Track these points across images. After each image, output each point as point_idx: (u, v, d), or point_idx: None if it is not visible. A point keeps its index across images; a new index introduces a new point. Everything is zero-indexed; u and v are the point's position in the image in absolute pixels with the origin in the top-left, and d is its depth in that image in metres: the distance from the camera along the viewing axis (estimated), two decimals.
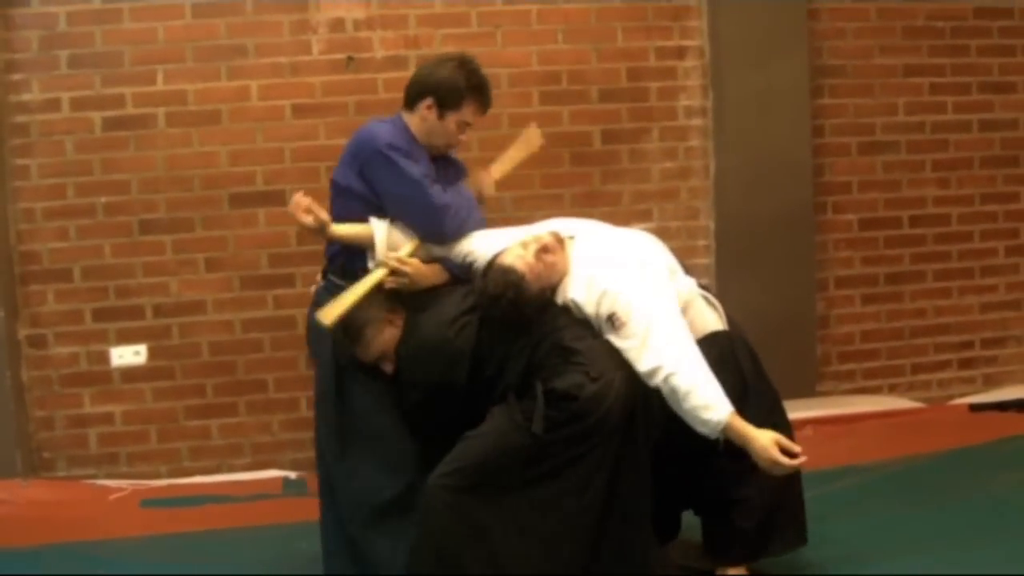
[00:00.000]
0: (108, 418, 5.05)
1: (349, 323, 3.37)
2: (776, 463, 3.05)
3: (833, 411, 5.29)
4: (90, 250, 4.98)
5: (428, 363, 3.32)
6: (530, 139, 3.91)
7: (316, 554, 3.66)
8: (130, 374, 5.04)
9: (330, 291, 3.56)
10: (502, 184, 3.86)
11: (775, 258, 5.34)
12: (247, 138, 5.04)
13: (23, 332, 4.96)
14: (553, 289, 3.34)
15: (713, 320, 3.53)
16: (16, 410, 4.86)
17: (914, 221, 5.65)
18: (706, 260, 5.40)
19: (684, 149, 5.39)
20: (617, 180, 5.34)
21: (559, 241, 3.35)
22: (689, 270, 3.63)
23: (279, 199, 4.98)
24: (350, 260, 3.58)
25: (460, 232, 3.52)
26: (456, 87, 3.52)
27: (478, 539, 3.11)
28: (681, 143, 5.38)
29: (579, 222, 3.69)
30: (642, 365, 3.14)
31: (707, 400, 3.08)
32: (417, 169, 3.47)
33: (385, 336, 3.40)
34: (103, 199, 4.97)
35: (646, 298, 3.22)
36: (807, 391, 5.40)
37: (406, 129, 3.57)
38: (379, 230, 3.49)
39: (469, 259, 3.47)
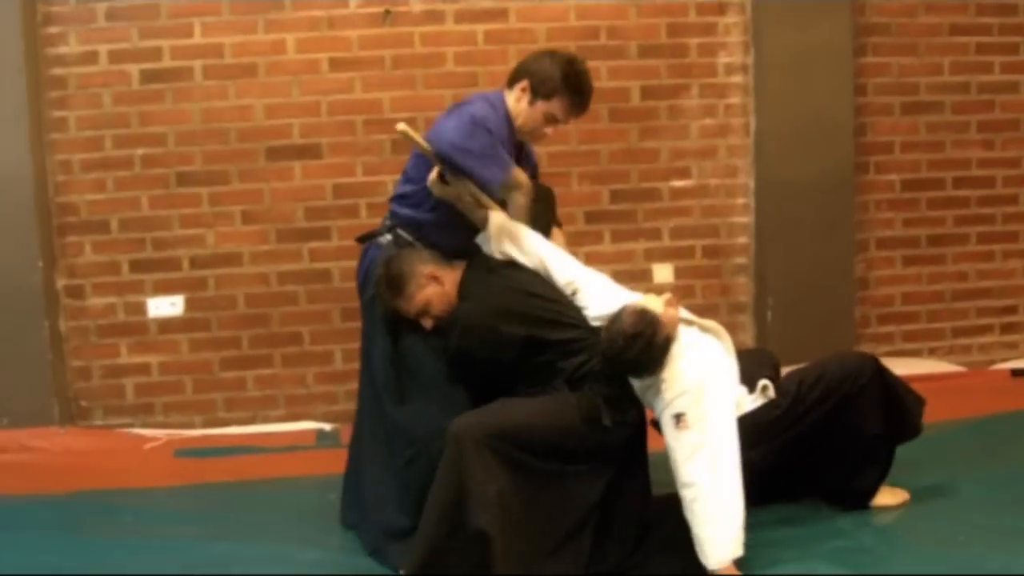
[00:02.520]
0: (144, 368, 5.09)
1: (393, 274, 3.44)
2: None
3: None
4: (127, 202, 5.00)
5: (477, 340, 3.40)
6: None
7: None
8: (166, 325, 5.07)
9: (399, 245, 3.62)
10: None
11: (815, 218, 5.26)
12: (283, 92, 5.02)
13: (61, 282, 4.99)
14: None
15: None
16: (54, 359, 4.91)
17: (958, 183, 5.54)
18: (745, 219, 5.35)
19: (724, 106, 5.31)
20: (655, 137, 5.28)
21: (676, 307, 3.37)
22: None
23: (315, 153, 5.03)
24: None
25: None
26: (551, 78, 3.53)
27: (498, 498, 3.12)
28: (721, 100, 5.30)
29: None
30: (684, 470, 3.18)
31: (719, 538, 3.15)
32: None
33: (427, 292, 3.45)
34: (140, 151, 4.98)
35: (715, 414, 3.22)
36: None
37: (502, 105, 3.58)
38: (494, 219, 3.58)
39: (570, 288, 3.53)
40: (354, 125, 5.01)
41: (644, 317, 3.20)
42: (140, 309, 5.05)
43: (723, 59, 5.28)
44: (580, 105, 3.60)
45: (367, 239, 3.75)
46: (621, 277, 5.01)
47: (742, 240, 5.37)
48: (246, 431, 5.02)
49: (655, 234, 5.30)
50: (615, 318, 3.28)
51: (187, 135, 4.99)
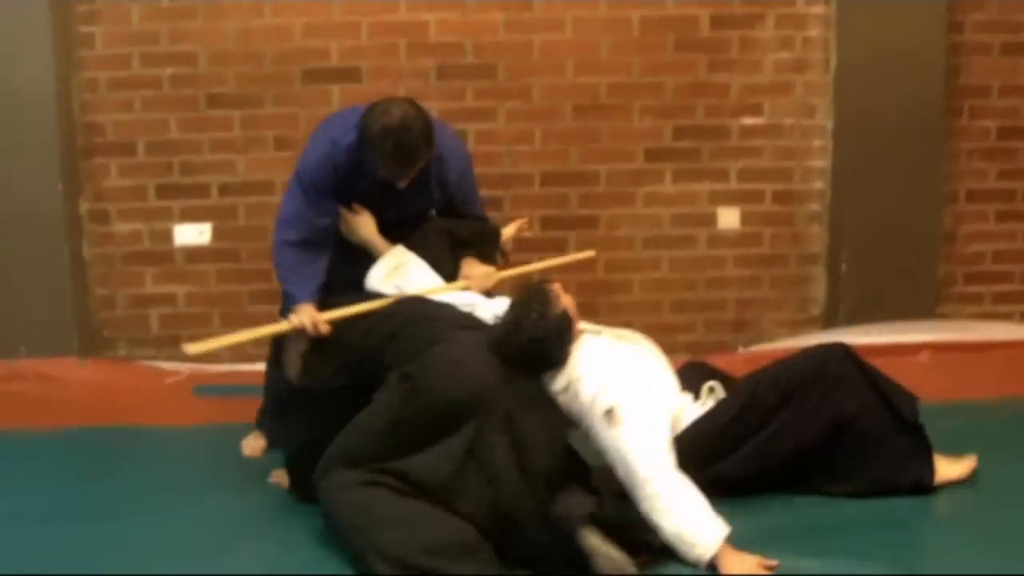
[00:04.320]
0: (170, 299, 4.93)
1: None
2: None
3: (954, 336, 4.78)
4: (155, 124, 4.80)
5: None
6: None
7: None
8: (194, 254, 4.90)
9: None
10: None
11: (899, 165, 4.88)
12: (323, 11, 4.76)
13: (85, 207, 4.82)
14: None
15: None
16: (74, 288, 4.75)
17: None
18: (821, 163, 4.96)
19: (802, 39, 4.92)
20: (725, 70, 4.92)
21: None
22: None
23: (354, 76, 4.78)
24: None
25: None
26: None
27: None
28: (799, 32, 4.91)
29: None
30: (639, 466, 2.87)
31: (704, 518, 2.85)
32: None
33: None
34: (169, 71, 4.76)
35: (641, 401, 3.02)
36: (925, 312, 4.96)
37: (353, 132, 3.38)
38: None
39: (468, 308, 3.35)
40: (396, 48, 4.74)
41: (534, 288, 3.13)
42: (167, 237, 4.88)
43: None
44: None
45: None
46: (683, 221, 4.95)
47: (817, 186, 4.99)
48: None
49: (721, 175, 4.96)
50: (527, 296, 3.16)
51: (219, 55, 4.76)
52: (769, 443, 3.17)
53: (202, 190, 4.84)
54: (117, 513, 3.24)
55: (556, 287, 3.13)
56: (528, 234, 3.87)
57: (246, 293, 4.91)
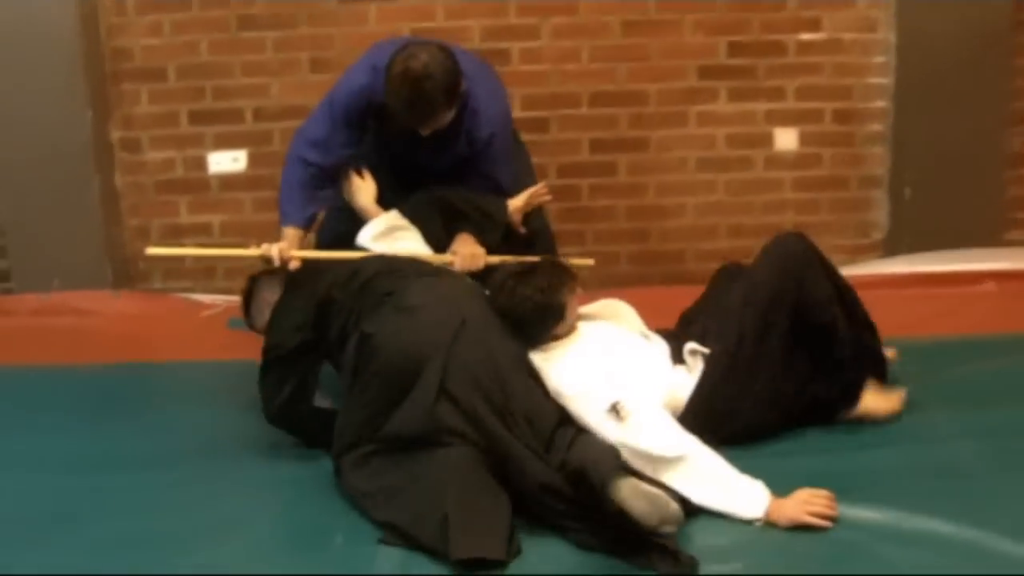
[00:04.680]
0: (205, 228, 4.80)
1: None
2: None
3: (1022, 264, 4.53)
4: (185, 47, 4.63)
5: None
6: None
7: None
8: (228, 182, 4.76)
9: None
10: None
11: (965, 82, 4.62)
12: None
13: (116, 135, 4.68)
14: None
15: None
16: (106, 218, 4.64)
17: None
18: (883, 80, 4.70)
19: None
20: None
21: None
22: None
23: None
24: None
25: None
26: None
27: None
28: None
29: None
30: (665, 447, 2.69)
31: (744, 480, 2.66)
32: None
33: None
34: None
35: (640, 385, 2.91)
36: (991, 239, 4.73)
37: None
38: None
39: None
40: None
41: (555, 267, 3.08)
42: (200, 164, 4.74)
43: None
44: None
45: None
46: (738, 141, 4.75)
47: (879, 104, 4.74)
48: None
49: (778, 94, 4.72)
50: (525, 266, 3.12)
51: None
52: (775, 376, 2.97)
53: (236, 115, 4.68)
54: (141, 461, 3.08)
55: (574, 287, 3.05)
56: (547, 198, 3.64)
57: None
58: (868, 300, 3.16)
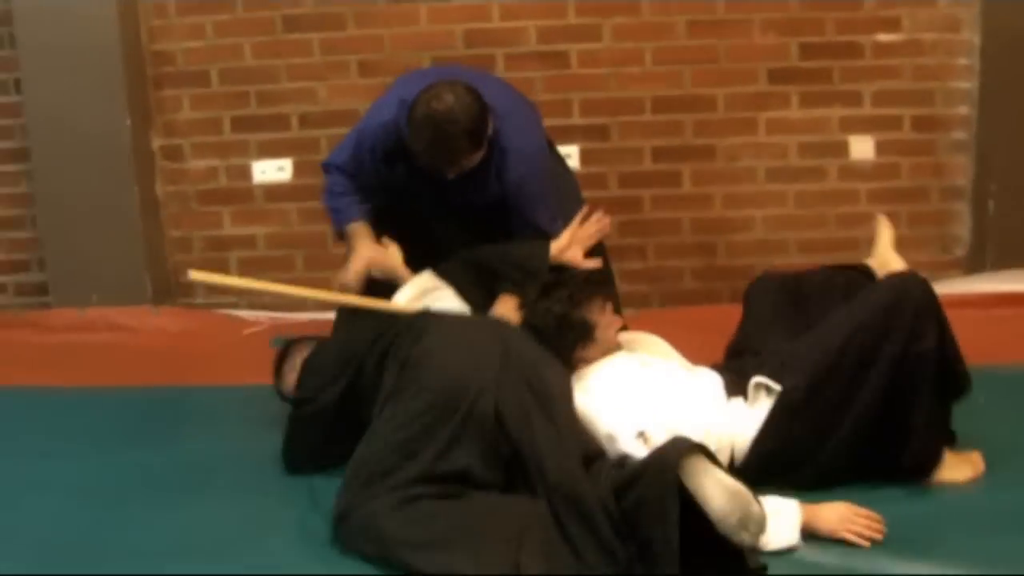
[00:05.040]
0: (250, 241, 4.72)
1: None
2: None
3: None
4: (229, 50, 4.56)
5: None
6: None
7: None
8: (274, 192, 4.68)
9: None
10: None
11: None
12: None
13: (157, 142, 4.61)
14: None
15: None
16: (146, 229, 4.55)
17: None
18: (967, 84, 4.52)
19: None
20: None
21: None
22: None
23: None
24: None
25: None
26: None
27: None
28: None
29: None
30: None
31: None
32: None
33: None
34: None
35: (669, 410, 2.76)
36: None
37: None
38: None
39: None
40: None
41: (585, 282, 3.02)
42: (244, 173, 4.66)
43: None
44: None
45: None
46: (811, 150, 4.55)
47: (962, 110, 4.56)
48: None
49: (854, 99, 4.55)
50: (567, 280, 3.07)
51: None
52: (859, 428, 2.68)
53: (281, 122, 4.61)
54: (164, 496, 2.88)
55: (607, 307, 2.95)
56: (595, 228, 3.35)
57: (331, 232, 4.45)
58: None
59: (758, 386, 2.76)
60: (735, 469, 2.60)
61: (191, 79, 4.57)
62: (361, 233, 3.28)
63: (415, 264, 3.28)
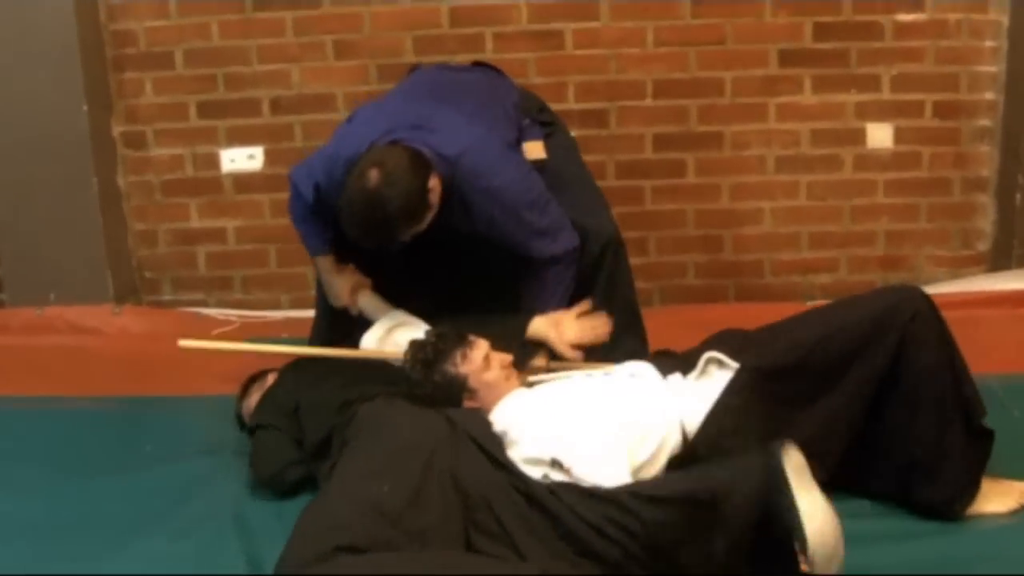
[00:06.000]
0: (219, 234, 4.59)
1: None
2: None
3: None
4: (194, 29, 4.41)
5: None
6: None
7: None
8: (244, 182, 4.54)
9: None
10: None
11: None
12: None
13: (118, 129, 4.45)
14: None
15: None
16: (107, 223, 4.39)
17: None
18: (993, 68, 4.36)
19: None
20: None
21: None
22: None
23: None
24: None
25: None
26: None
27: None
28: None
29: None
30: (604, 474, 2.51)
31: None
32: None
33: None
34: None
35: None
36: None
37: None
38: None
39: None
40: None
41: (439, 337, 2.88)
42: (213, 162, 4.51)
43: None
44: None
45: None
46: (825, 138, 4.34)
47: (988, 96, 4.41)
48: None
49: (872, 83, 4.39)
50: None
51: None
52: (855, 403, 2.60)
53: (251, 107, 4.46)
54: (116, 535, 2.67)
55: (478, 345, 2.82)
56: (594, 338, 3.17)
57: None
58: (970, 322, 2.91)
59: (710, 359, 2.68)
60: (690, 444, 2.59)
61: (154, 61, 4.44)
62: (330, 267, 3.25)
63: (385, 290, 3.20)
